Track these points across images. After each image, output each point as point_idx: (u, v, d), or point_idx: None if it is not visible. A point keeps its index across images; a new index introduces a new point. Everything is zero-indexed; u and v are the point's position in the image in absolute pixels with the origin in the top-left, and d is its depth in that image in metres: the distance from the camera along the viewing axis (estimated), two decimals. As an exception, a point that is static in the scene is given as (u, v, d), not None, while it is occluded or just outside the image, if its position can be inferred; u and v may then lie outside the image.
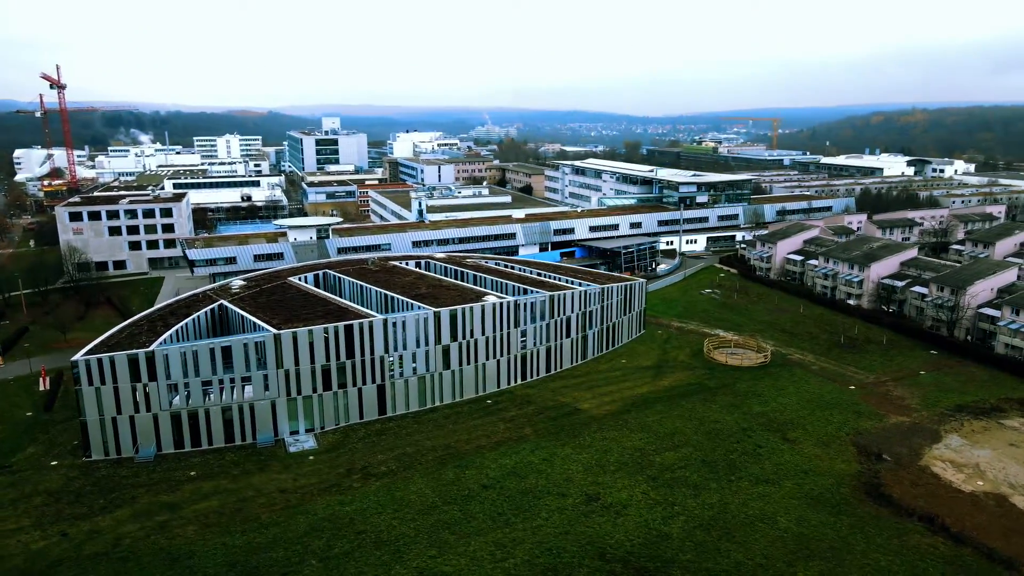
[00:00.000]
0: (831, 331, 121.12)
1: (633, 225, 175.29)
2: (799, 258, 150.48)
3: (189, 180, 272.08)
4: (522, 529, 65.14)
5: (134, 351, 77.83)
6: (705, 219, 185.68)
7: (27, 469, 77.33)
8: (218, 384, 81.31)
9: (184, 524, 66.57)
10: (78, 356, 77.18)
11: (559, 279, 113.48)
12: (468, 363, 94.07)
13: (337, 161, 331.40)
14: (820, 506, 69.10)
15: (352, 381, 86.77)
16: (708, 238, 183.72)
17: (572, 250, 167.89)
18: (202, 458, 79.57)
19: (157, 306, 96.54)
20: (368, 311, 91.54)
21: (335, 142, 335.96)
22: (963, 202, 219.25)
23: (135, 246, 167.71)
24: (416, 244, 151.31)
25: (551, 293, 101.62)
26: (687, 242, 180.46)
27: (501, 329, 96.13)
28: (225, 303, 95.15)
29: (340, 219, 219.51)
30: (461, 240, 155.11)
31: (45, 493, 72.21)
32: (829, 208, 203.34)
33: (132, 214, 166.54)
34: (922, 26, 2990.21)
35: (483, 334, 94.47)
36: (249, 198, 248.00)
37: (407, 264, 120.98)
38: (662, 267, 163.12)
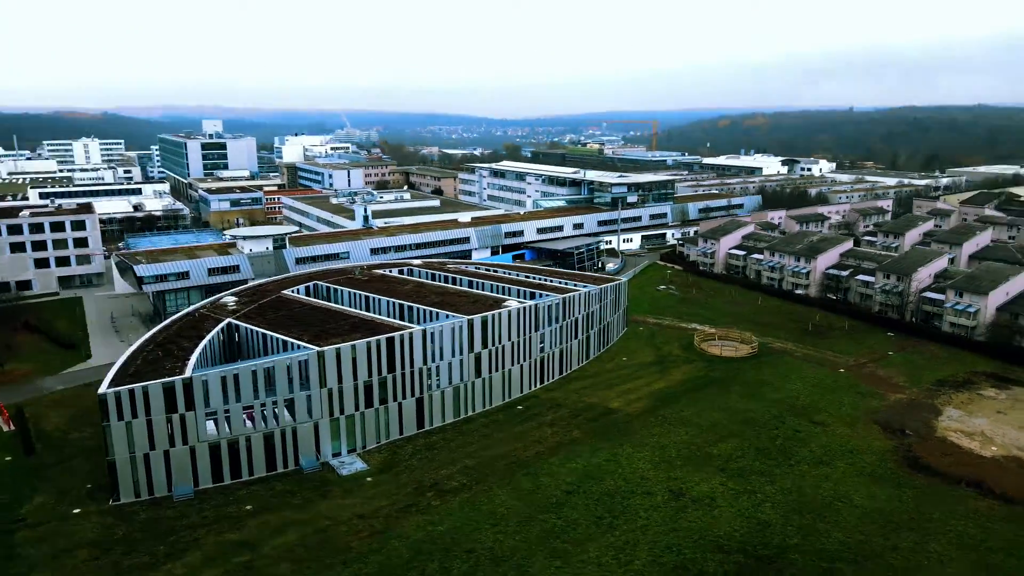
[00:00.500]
0: (794, 320, 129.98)
1: (576, 226, 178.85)
2: (741, 253, 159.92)
3: (59, 189, 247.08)
4: (629, 530, 65.45)
5: (169, 379, 70.41)
6: (638, 218, 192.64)
7: (48, 520, 67.94)
8: (260, 408, 75.27)
9: (272, 563, 61.31)
10: (105, 389, 68.76)
11: (546, 280, 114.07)
12: (496, 370, 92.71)
13: (226, 167, 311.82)
14: (880, 481, 74.47)
15: (393, 396, 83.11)
16: (642, 236, 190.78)
17: (522, 252, 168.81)
18: (248, 490, 73.32)
19: (155, 329, 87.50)
20: (402, 323, 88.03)
21: (223, 146, 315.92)
22: (846, 197, 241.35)
23: (42, 263, 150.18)
24: (375, 252, 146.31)
25: (562, 296, 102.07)
26: (624, 241, 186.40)
27: (524, 334, 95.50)
28: (233, 322, 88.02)
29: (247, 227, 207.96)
30: (417, 246, 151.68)
31: (88, 545, 63.83)
32: (741, 205, 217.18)
33: (37, 228, 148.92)
34: (751, 40, 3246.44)
35: (509, 340, 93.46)
36: (141, 207, 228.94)
37: (390, 272, 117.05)
38: (610, 266, 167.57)
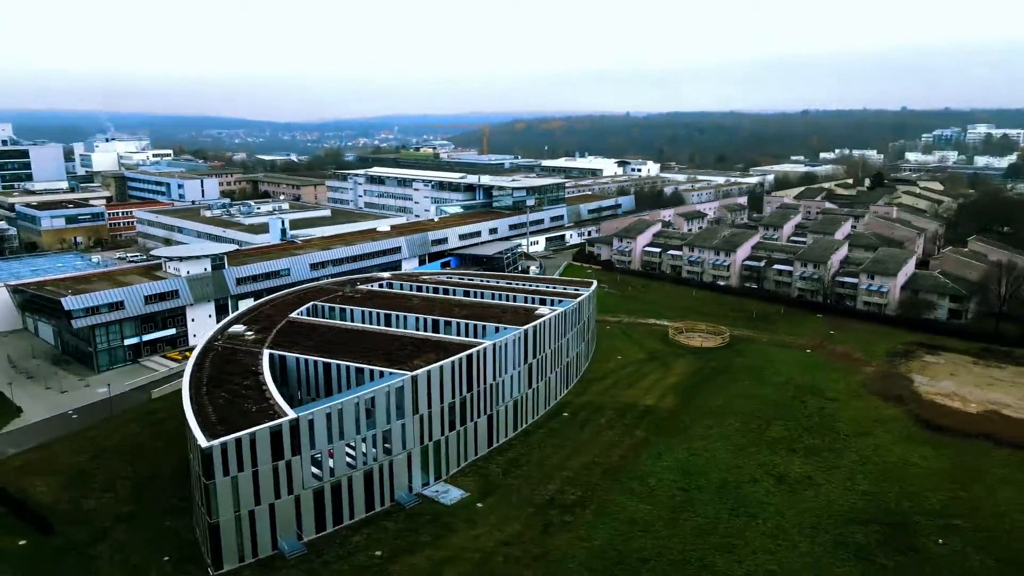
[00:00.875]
0: (733, 309, 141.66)
1: (491, 231, 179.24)
2: (656, 250, 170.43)
3: None
4: (768, 517, 68.96)
5: (276, 422, 61.98)
6: (541, 221, 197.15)
7: (153, 607, 57.06)
8: (361, 444, 68.63)
9: (458, 606, 56.89)
10: (207, 442, 58.96)
11: (528, 285, 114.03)
12: (541, 379, 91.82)
13: (30, 177, 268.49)
14: (918, 444, 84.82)
15: (469, 416, 79.46)
16: (546, 239, 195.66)
17: (448, 260, 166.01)
18: (360, 534, 66.67)
19: (188, 370, 75.43)
20: (465, 339, 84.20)
21: (24, 154, 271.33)
22: (697, 196, 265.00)
23: None
24: (314, 267, 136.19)
25: (576, 300, 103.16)
26: (531, 244, 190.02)
27: (557, 341, 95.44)
28: (276, 352, 78.77)
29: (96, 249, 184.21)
30: (353, 259, 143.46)
31: (231, 626, 54.71)
32: (620, 205, 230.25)
33: None
34: (530, 50, 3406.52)
35: (550, 347, 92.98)
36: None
37: (371, 287, 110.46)
38: (533, 269, 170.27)
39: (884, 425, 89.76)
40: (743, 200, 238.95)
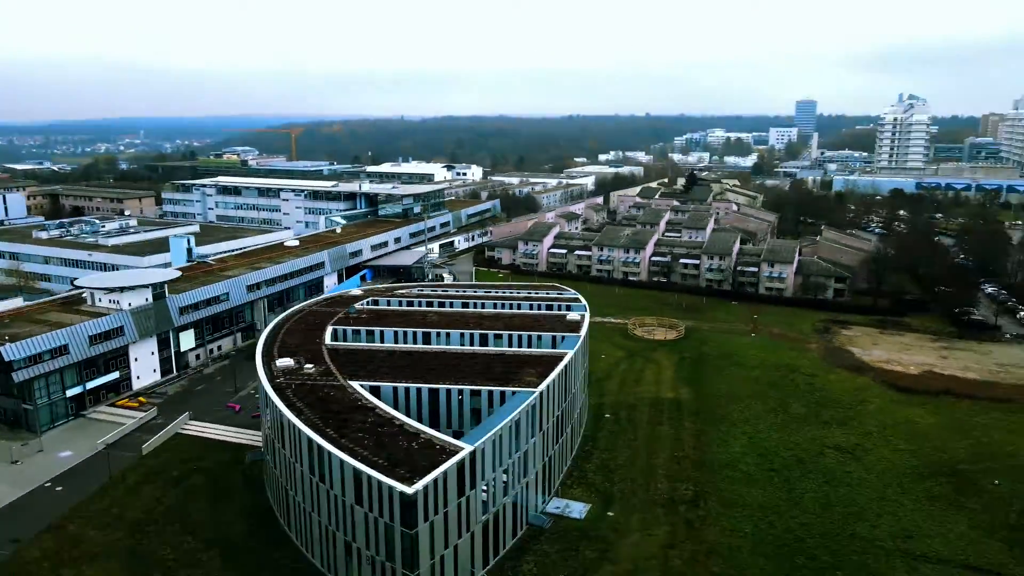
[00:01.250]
0: (660, 302, 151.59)
1: (396, 240, 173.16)
2: (562, 251, 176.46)
3: None
4: (873, 479, 76.94)
5: (459, 456, 57.29)
6: (433, 228, 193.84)
7: None
8: (512, 469, 65.37)
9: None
10: (410, 487, 53.08)
11: (511, 292, 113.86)
12: (587, 383, 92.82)
13: None
14: (906, 405, 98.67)
15: (564, 427, 78.50)
16: (440, 245, 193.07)
17: (363, 272, 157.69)
18: (525, 562, 63.80)
19: (286, 412, 65.32)
20: (547, 351, 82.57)
21: None
22: (547, 198, 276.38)
23: None
24: (251, 288, 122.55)
25: (583, 305, 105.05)
26: (428, 251, 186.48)
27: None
28: (367, 384, 71.60)
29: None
30: (283, 277, 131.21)
31: None
32: (490, 209, 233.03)
33: None
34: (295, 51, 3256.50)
35: (587, 351, 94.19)
36: None
37: (364, 304, 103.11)
38: (446, 278, 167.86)
39: (867, 392, 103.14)
40: (600, 200, 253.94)
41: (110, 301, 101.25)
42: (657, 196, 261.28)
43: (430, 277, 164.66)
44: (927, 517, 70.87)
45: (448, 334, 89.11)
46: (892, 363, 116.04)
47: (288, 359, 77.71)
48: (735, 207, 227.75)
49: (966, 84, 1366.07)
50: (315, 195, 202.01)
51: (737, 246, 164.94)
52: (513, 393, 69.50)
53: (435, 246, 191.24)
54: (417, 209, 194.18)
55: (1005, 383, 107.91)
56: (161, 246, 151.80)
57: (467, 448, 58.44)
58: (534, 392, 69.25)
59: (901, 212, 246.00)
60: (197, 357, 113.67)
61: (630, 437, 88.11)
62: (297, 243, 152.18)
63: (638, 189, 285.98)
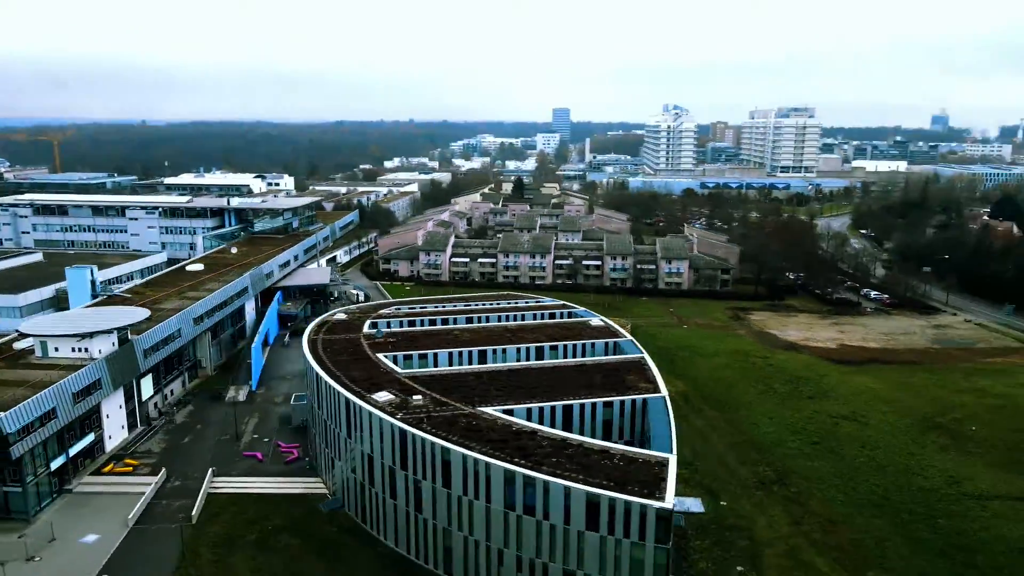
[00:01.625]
0: (577, 303, 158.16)
1: (295, 258, 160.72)
2: (465, 259, 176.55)
3: None
4: (887, 439, 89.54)
5: (671, 465, 58.49)
6: (317, 244, 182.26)
7: None
8: (670, 473, 67.20)
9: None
10: (667, 503, 53.52)
11: (513, 304, 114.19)
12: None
13: None
14: (855, 374, 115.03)
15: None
16: (326, 260, 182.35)
17: (277, 295, 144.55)
18: (700, 557, 66.34)
19: (465, 456, 60.02)
20: (627, 356, 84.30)
21: None
22: (396, 207, 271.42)
23: None
24: (198, 321, 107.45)
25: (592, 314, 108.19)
26: (318, 266, 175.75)
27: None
28: (500, 409, 68.74)
29: None
30: (220, 307, 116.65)
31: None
32: (352, 221, 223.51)
33: None
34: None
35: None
36: None
37: (389, 324, 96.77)
38: (360, 295, 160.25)
39: (816, 367, 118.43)
40: (455, 207, 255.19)
41: (74, 349, 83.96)
42: (500, 203, 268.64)
43: (337, 294, 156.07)
44: (954, 463, 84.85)
45: (504, 350, 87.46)
46: (810, 340, 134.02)
47: (385, 393, 71.62)
48: (579, 209, 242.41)
49: (689, 96, 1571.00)
50: (173, 213, 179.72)
51: (631, 248, 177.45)
52: (633, 403, 71.32)
53: (323, 261, 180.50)
54: (296, 224, 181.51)
55: (902, 348, 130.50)
56: (28, 280, 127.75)
57: (670, 456, 59.72)
58: (663, 395, 71.76)
59: (703, 210, 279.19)
60: (156, 406, 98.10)
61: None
62: (201, 267, 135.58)
63: (478, 196, 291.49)
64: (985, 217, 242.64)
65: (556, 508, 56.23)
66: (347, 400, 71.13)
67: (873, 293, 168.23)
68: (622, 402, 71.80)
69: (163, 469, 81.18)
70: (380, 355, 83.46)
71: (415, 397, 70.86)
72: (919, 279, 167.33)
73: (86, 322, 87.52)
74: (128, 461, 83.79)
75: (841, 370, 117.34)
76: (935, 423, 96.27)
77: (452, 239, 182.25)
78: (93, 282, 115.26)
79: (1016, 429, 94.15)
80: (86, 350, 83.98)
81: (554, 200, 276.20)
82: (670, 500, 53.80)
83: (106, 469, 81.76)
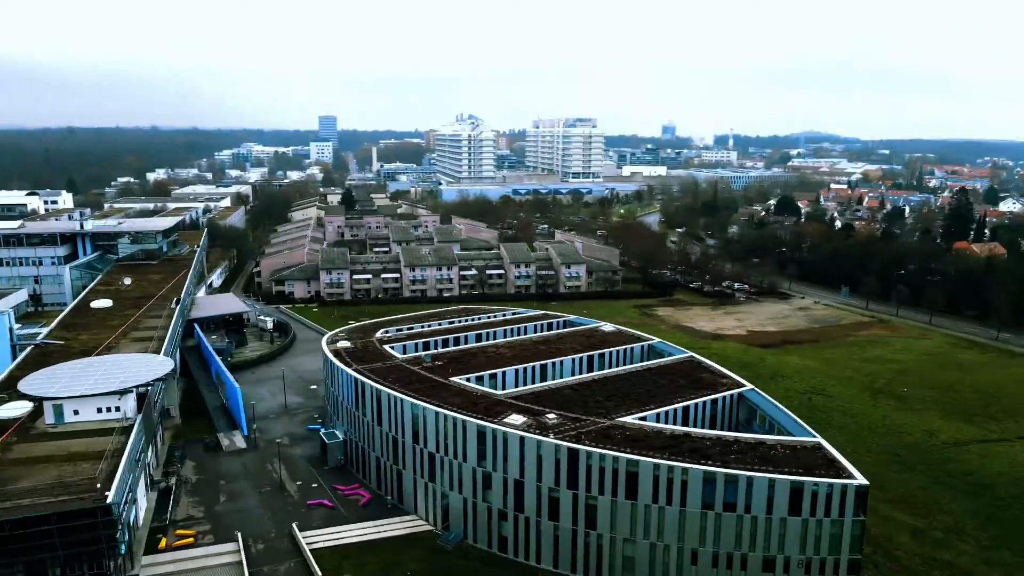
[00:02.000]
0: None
1: (195, 286, 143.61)
2: (367, 276, 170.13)
3: None
4: (863, 409, 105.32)
5: (828, 445, 65.93)
6: (202, 268, 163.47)
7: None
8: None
9: None
10: (862, 479, 60.69)
11: (492, 316, 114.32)
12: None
13: None
14: (784, 355, 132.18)
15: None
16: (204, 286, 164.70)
17: (191, 326, 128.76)
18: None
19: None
20: (673, 357, 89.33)
21: None
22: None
23: None
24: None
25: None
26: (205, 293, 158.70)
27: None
28: (627, 417, 71.04)
29: None
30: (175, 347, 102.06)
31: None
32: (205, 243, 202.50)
33: None
34: None
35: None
36: None
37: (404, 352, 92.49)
38: (269, 322, 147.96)
39: (751, 353, 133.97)
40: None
41: (100, 410, 70.13)
42: (356, 216, 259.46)
43: (249, 323, 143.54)
44: (918, 419, 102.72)
45: (561, 362, 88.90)
46: (722, 329, 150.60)
47: (515, 416, 70.31)
48: (433, 220, 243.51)
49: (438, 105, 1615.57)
50: (7, 241, 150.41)
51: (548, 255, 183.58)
52: (739, 395, 78.49)
53: (202, 287, 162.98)
54: (165, 248, 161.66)
55: (794, 329, 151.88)
56: None
57: (820, 439, 67.00)
58: (752, 387, 79.30)
59: (536, 215, 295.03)
60: (149, 467, 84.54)
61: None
62: (110, 302, 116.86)
63: (312, 208, 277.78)
64: (763, 212, 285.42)
65: (759, 500, 60.59)
66: (478, 428, 68.83)
67: (737, 284, 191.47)
68: (724, 398, 77.79)
69: (238, 534, 71.28)
70: (455, 379, 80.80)
71: (548, 416, 70.63)
72: (757, 270, 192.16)
73: (107, 377, 73.42)
74: (180, 532, 72.17)
75: (771, 352, 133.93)
76: (876, 389, 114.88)
77: (349, 256, 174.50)
78: (11, 329, 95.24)
79: (932, 387, 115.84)
80: (118, 408, 70.78)
81: (399, 211, 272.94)
82: (859, 477, 60.81)
83: (161, 545, 69.77)
